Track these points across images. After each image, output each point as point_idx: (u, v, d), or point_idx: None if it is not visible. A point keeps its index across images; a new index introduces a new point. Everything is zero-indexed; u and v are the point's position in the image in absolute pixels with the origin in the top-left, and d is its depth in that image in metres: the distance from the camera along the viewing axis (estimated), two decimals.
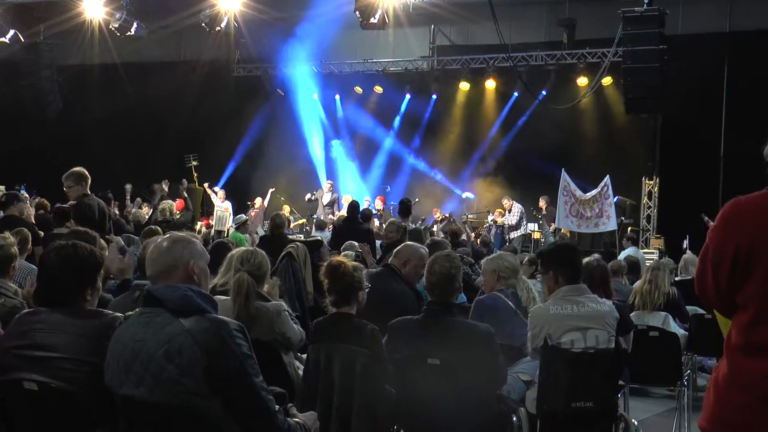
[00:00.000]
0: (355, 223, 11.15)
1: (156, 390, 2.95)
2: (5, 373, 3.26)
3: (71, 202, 7.97)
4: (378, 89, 19.99)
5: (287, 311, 4.76)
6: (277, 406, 3.12)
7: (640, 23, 15.25)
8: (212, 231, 17.59)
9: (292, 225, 17.53)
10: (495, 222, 17.52)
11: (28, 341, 3.27)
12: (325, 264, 4.54)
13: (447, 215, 17.73)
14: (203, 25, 18.38)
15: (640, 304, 7.15)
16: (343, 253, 7.63)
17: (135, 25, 18.45)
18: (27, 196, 14.33)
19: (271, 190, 19.06)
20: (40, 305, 3.40)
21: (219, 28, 18.53)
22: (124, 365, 3.02)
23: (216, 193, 18.76)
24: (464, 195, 19.61)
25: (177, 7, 18.80)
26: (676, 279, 8.78)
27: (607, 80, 17.18)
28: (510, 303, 5.39)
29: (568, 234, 16.28)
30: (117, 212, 14.64)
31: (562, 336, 4.58)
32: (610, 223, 15.31)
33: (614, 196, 15.52)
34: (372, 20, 16.43)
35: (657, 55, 15.24)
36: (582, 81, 17.82)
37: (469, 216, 18.68)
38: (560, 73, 18.06)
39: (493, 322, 4.78)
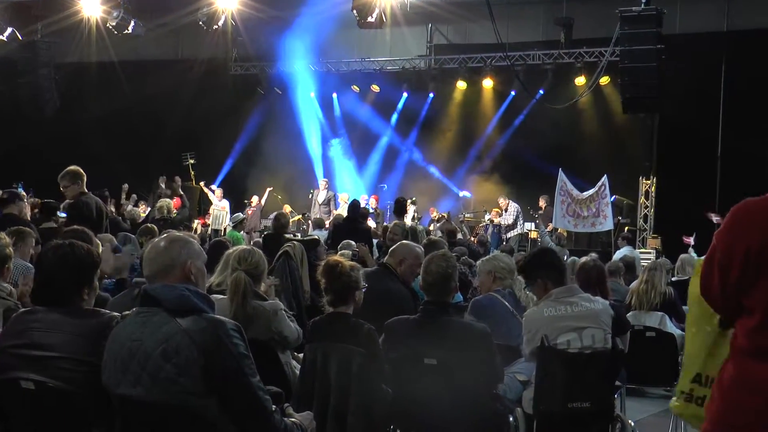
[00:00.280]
0: (355, 222, 11.14)
1: (153, 389, 2.95)
2: (2, 372, 3.26)
3: (68, 201, 7.97)
4: (375, 88, 20.00)
5: (284, 310, 4.76)
6: (273, 406, 3.13)
7: (638, 22, 15.27)
8: (209, 230, 17.59)
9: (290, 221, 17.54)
10: (492, 221, 17.53)
11: (26, 340, 3.26)
12: (323, 263, 4.54)
13: (444, 214, 17.73)
14: (201, 23, 18.41)
15: (636, 304, 7.16)
16: (339, 253, 7.63)
17: (132, 23, 18.45)
18: (24, 194, 14.31)
19: (268, 189, 19.06)
20: (38, 304, 3.40)
21: (216, 27, 18.55)
22: (121, 365, 3.02)
23: (213, 191, 18.76)
24: (461, 194, 19.63)
25: (174, 5, 18.81)
26: (673, 279, 8.80)
27: (604, 80, 17.20)
28: (506, 303, 5.39)
29: (565, 234, 16.30)
30: (113, 210, 14.65)
31: (558, 337, 4.58)
32: (606, 223, 15.32)
33: (611, 196, 15.53)
34: (369, 19, 16.45)
35: (654, 55, 15.26)
36: (579, 80, 17.83)
37: (466, 215, 18.70)
38: (557, 72, 18.07)
39: (490, 322, 4.79)
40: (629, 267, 9.34)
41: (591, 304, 4.71)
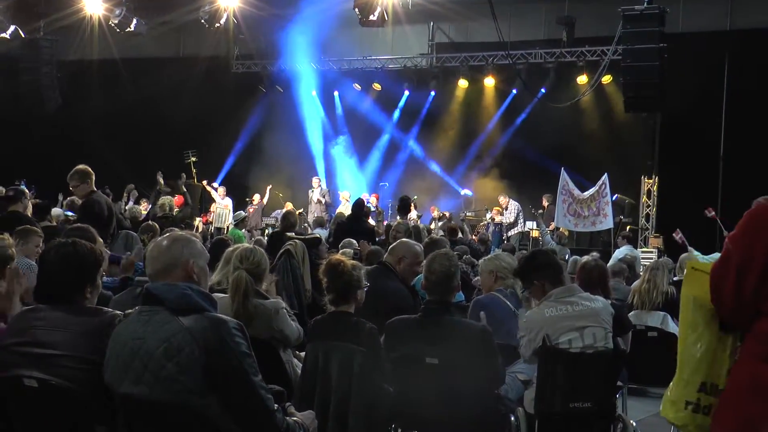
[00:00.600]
0: (359, 221, 11.12)
1: (155, 388, 2.95)
2: (5, 370, 3.26)
3: (71, 198, 7.99)
4: (376, 86, 20.01)
5: (285, 309, 4.76)
6: (275, 405, 3.13)
7: (640, 21, 15.24)
8: (211, 228, 17.60)
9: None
10: (493, 220, 17.53)
11: (28, 338, 3.27)
12: (325, 262, 4.53)
13: (445, 213, 17.73)
14: (202, 21, 18.42)
15: (638, 304, 7.16)
16: (341, 251, 7.62)
17: (134, 21, 18.48)
18: (27, 192, 14.32)
19: (269, 187, 19.06)
20: (41, 302, 3.41)
21: (218, 25, 18.56)
22: (123, 363, 3.02)
23: (216, 190, 18.78)
24: (463, 192, 19.63)
25: (176, 3, 18.85)
26: (675, 278, 8.79)
27: (606, 78, 17.17)
28: (508, 303, 5.39)
29: (567, 233, 16.29)
30: (125, 209, 14.63)
31: (559, 337, 4.57)
32: (607, 222, 15.32)
33: (613, 195, 15.52)
34: (371, 17, 16.44)
35: (657, 54, 15.22)
36: (581, 79, 17.82)
37: (467, 214, 18.70)
38: (559, 71, 18.06)
39: (491, 322, 4.79)
40: (629, 267, 9.34)
41: (591, 303, 4.70)
